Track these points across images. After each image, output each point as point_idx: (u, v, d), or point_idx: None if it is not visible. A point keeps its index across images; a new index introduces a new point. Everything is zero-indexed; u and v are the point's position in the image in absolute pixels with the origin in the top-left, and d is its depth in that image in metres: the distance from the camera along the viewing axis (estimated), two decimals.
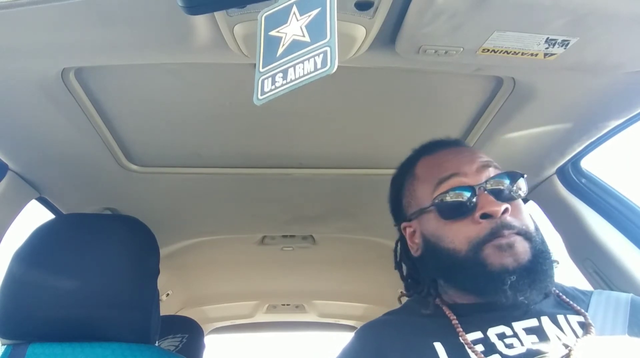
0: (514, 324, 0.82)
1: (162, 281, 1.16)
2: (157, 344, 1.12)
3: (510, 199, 0.86)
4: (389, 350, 0.84)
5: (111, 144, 1.19)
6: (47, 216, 1.44)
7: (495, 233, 0.82)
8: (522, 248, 0.81)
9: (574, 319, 0.84)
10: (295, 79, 0.55)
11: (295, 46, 0.56)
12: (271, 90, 0.56)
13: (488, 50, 0.80)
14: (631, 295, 0.91)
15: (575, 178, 1.33)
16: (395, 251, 1.04)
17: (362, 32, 0.76)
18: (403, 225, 0.98)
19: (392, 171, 1.05)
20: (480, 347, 0.79)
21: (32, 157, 1.20)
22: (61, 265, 1.02)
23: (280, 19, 0.59)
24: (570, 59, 0.82)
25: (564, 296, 0.89)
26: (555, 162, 1.29)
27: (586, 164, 1.31)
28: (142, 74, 0.98)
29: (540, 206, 1.41)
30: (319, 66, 0.54)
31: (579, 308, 0.86)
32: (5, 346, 1.02)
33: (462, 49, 0.80)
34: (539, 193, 1.39)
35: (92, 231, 1.08)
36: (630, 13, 0.72)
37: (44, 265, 1.01)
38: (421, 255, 0.94)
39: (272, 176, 1.39)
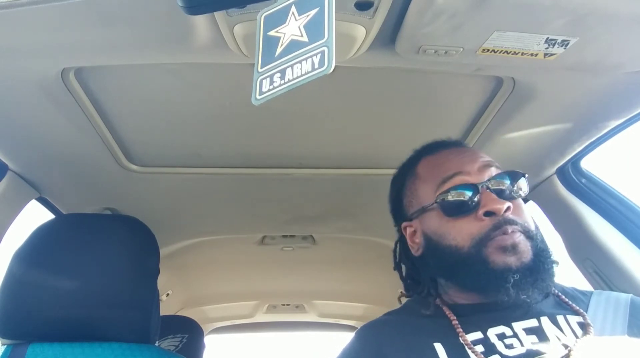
0: (514, 324, 0.82)
1: (162, 281, 1.16)
2: (157, 344, 1.12)
3: (511, 198, 0.86)
4: (389, 350, 0.84)
5: (111, 144, 1.19)
6: (47, 216, 1.44)
7: (497, 228, 0.82)
8: (525, 247, 0.82)
9: (574, 319, 0.84)
10: (293, 79, 0.55)
11: (294, 45, 0.56)
12: (269, 90, 0.56)
13: (488, 50, 0.80)
14: (631, 295, 0.91)
15: (575, 178, 1.33)
16: (394, 251, 1.04)
17: (362, 32, 0.76)
18: (403, 224, 0.98)
19: (392, 171, 1.05)
20: (480, 348, 0.79)
21: (32, 157, 1.20)
22: (61, 265, 1.02)
23: (279, 19, 0.59)
24: (570, 59, 0.82)
25: (564, 297, 0.89)
26: (555, 162, 1.29)
27: (586, 164, 1.31)
28: (142, 74, 0.98)
29: (540, 206, 1.41)
30: (316, 65, 0.54)
31: (578, 308, 0.86)
32: (5, 346, 1.02)
33: (462, 49, 0.80)
34: (539, 193, 1.39)
35: (92, 231, 1.08)
36: (630, 13, 0.72)
37: (44, 265, 1.01)
38: (422, 254, 0.94)
39: (272, 176, 1.39)
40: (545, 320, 0.82)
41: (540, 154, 1.25)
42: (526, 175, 0.90)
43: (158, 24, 0.75)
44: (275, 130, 1.20)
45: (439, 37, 0.76)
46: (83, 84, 0.98)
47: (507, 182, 0.88)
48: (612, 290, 1.19)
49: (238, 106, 1.07)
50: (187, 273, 2.29)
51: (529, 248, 0.82)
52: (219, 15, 0.73)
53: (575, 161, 1.29)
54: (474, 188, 0.86)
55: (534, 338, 0.80)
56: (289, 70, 0.55)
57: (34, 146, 1.15)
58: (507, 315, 0.83)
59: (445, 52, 0.80)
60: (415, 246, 0.95)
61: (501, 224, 0.82)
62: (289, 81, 0.55)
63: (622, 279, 1.20)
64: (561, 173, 1.33)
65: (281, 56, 0.57)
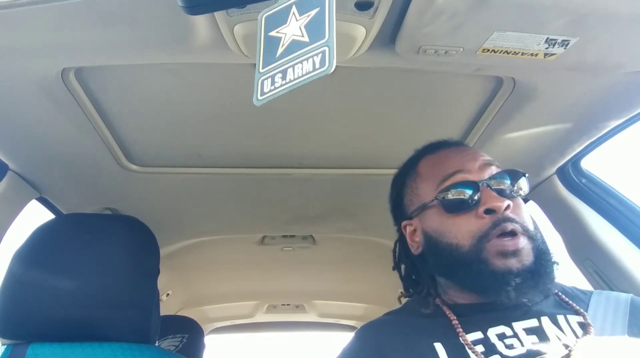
0: (514, 324, 0.82)
1: (162, 281, 1.16)
2: (157, 344, 1.12)
3: (511, 197, 0.87)
4: (389, 350, 0.84)
5: (111, 144, 1.19)
6: (47, 216, 1.44)
7: (497, 225, 0.82)
8: (526, 248, 0.82)
9: (574, 319, 0.84)
10: (294, 79, 0.55)
11: (295, 46, 0.56)
12: (271, 90, 0.56)
13: (488, 50, 0.80)
14: (631, 295, 0.91)
15: (575, 178, 1.33)
16: (394, 251, 1.04)
17: (362, 32, 0.76)
18: (403, 223, 0.98)
19: (392, 171, 1.06)
20: (480, 348, 0.79)
21: (32, 157, 1.20)
22: (61, 265, 1.02)
23: (280, 19, 0.59)
24: (570, 59, 0.82)
25: (564, 297, 0.89)
26: (555, 162, 1.29)
27: (586, 164, 1.31)
28: (142, 74, 0.98)
29: (540, 206, 1.41)
30: (317, 65, 0.54)
31: (578, 308, 0.86)
32: (5, 346, 1.02)
33: (462, 49, 0.80)
34: (539, 193, 1.39)
35: (92, 231, 1.08)
36: (630, 13, 0.72)
37: (44, 265, 1.01)
38: (422, 253, 0.94)
39: (272, 176, 1.39)
40: (545, 320, 0.83)
41: (540, 154, 1.25)
42: (526, 175, 0.90)
43: (158, 24, 0.75)
44: (276, 130, 1.20)
45: (439, 37, 0.76)
46: (83, 84, 0.98)
47: (508, 181, 0.88)
48: (612, 290, 1.19)
49: (238, 106, 1.07)
50: (187, 273, 2.29)
51: (530, 249, 0.82)
52: (219, 15, 0.73)
53: (575, 161, 1.29)
54: (474, 185, 0.86)
55: (534, 338, 0.80)
56: (290, 70, 0.55)
57: (34, 146, 1.15)
58: (507, 315, 0.83)
59: (445, 52, 0.80)
60: (415, 244, 0.95)
61: (500, 221, 0.83)
62: (291, 81, 0.55)
63: (622, 279, 1.20)
64: (561, 173, 1.33)
65: (282, 56, 0.57)
